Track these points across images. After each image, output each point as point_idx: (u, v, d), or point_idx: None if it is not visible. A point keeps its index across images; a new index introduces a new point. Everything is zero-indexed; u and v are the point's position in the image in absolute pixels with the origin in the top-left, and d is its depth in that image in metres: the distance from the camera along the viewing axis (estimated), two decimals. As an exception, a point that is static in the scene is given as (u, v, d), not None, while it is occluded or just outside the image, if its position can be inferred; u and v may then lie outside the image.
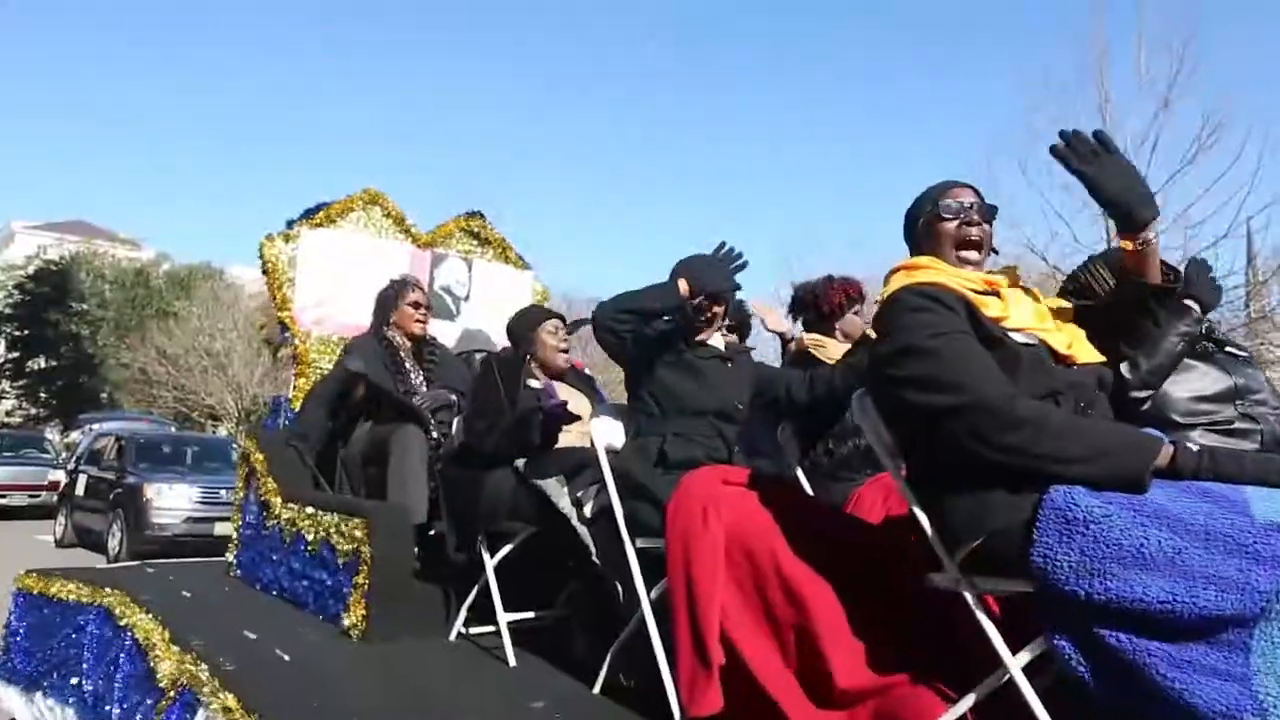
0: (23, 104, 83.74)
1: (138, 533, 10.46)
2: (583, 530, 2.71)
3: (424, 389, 3.88)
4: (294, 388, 4.42)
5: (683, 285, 2.75)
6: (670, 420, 2.78)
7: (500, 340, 4.06)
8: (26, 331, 36.25)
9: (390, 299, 4.04)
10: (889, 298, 1.87)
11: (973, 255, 1.99)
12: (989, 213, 2.02)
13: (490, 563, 3.01)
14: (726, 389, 2.87)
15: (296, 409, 4.26)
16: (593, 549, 2.67)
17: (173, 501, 10.67)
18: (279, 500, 3.71)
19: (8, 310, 36.84)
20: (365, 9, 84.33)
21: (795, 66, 70.70)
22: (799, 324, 3.56)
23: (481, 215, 5.20)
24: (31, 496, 15.09)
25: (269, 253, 4.43)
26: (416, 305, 4.05)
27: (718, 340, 2.99)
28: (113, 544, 10.75)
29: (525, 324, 3.58)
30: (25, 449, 16.92)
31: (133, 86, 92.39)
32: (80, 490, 12.10)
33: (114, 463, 11.93)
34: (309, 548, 3.43)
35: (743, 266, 2.79)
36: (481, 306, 5.06)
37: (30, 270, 36.99)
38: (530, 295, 5.20)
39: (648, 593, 2.39)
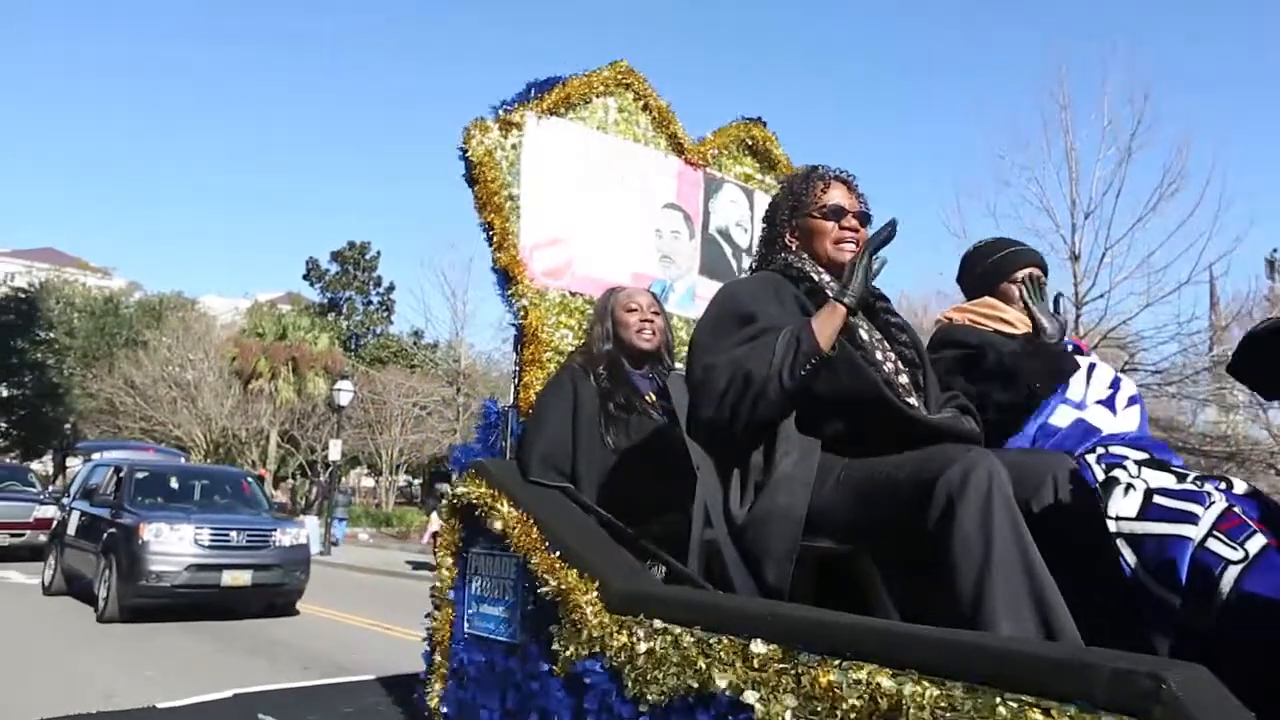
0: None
1: (130, 583, 8.77)
2: None
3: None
4: (519, 382, 2.77)
5: None
6: None
7: None
8: (-11, 359, 35.43)
9: None
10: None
11: None
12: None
13: None
14: None
15: (528, 420, 2.61)
16: None
17: (173, 545, 8.97)
18: (598, 611, 1.92)
19: (-30, 338, 35.98)
20: (340, 37, 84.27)
21: (775, 98, 71.87)
22: None
23: (764, 123, 3.60)
24: (14, 536, 13.42)
25: (477, 149, 2.75)
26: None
27: None
28: (102, 594, 9.03)
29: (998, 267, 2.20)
30: (7, 482, 14.91)
31: (106, 115, 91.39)
32: (72, 529, 10.40)
33: (109, 498, 10.09)
34: None
35: None
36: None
37: (-4, 297, 36.33)
38: None
39: None
